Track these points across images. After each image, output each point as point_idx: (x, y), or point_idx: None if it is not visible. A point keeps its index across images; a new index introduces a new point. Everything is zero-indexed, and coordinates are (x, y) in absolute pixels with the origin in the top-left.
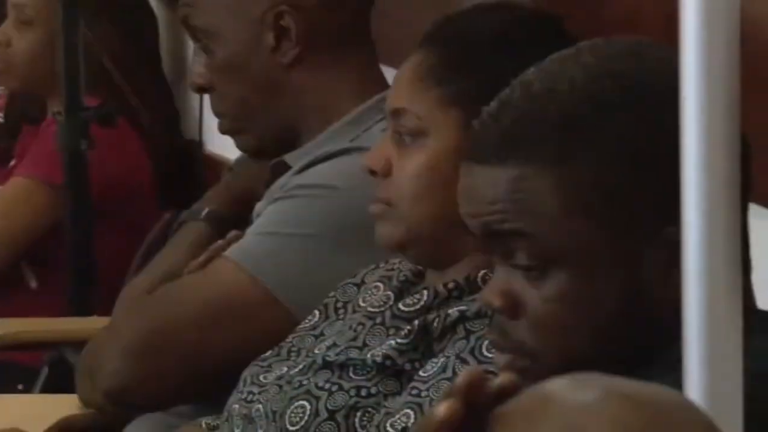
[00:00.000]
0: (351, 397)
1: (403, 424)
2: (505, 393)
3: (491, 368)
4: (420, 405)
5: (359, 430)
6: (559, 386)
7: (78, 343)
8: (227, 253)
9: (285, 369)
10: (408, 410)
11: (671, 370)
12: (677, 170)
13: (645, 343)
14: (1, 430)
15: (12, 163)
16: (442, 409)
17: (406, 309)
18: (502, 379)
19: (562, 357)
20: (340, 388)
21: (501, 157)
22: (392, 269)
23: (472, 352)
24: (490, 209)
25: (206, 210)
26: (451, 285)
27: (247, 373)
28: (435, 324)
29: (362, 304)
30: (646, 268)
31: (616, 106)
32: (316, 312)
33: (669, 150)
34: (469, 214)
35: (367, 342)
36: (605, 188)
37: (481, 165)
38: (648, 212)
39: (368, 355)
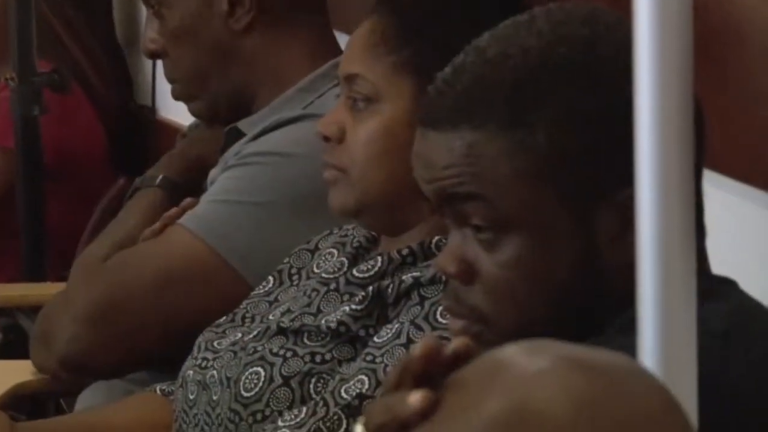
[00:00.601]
0: (305, 363)
1: (358, 390)
2: (460, 358)
3: (446, 335)
4: (374, 371)
5: (314, 396)
6: (511, 353)
7: (32, 309)
8: (182, 220)
9: (239, 335)
10: (362, 376)
11: (624, 334)
12: (630, 134)
13: (598, 306)
14: None
15: None
16: (412, 398)
17: (360, 275)
18: (456, 344)
19: (515, 322)
20: (295, 354)
21: (455, 122)
22: (346, 235)
23: (426, 318)
24: (444, 173)
25: (160, 176)
26: (405, 251)
27: (201, 340)
28: (389, 290)
29: (316, 271)
30: (600, 232)
31: (569, 71)
32: (271, 278)
33: (622, 114)
34: (424, 179)
35: (322, 308)
36: (558, 152)
37: (435, 130)
38: (601, 176)
39: (322, 322)
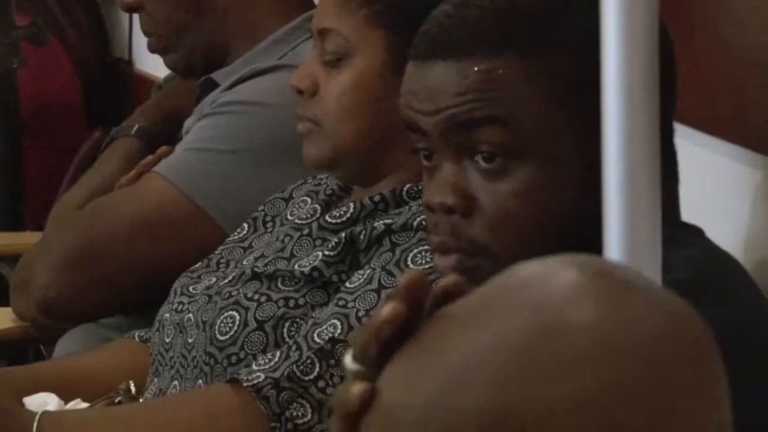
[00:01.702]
0: (279, 307)
1: (330, 334)
2: (450, 295)
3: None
4: (346, 315)
5: (287, 339)
6: (537, 268)
7: (11, 258)
8: (157, 168)
9: (214, 280)
10: (335, 320)
11: None
12: (662, 70)
13: (598, 237)
14: None
15: None
16: (386, 309)
17: (332, 221)
18: (446, 281)
19: (516, 252)
20: (269, 299)
21: (468, 50)
22: (319, 184)
23: (397, 264)
24: (456, 101)
25: (136, 126)
26: (376, 198)
27: (177, 285)
28: (361, 236)
29: (290, 217)
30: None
31: (575, 4)
32: (245, 225)
33: None
34: (425, 112)
35: (295, 253)
36: (574, 79)
37: (445, 60)
38: None
39: (296, 267)
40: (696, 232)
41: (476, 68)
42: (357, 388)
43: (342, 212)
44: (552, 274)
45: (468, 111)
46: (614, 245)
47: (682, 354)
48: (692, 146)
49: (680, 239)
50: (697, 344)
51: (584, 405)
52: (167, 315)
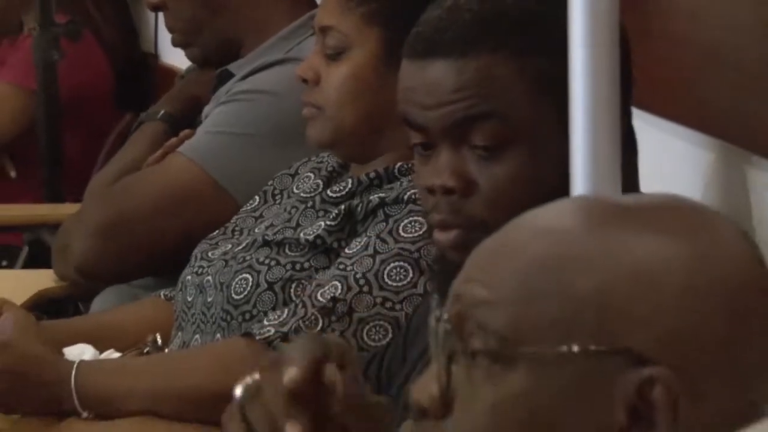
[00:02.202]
0: (287, 270)
1: (332, 294)
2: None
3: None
4: (346, 277)
5: (294, 298)
6: (552, 210)
7: (53, 226)
8: (180, 149)
9: (230, 246)
10: (336, 282)
11: None
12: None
13: None
14: None
15: None
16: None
17: (333, 195)
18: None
19: None
20: (278, 263)
21: (464, 50)
22: (321, 161)
23: (390, 232)
24: (455, 97)
25: (162, 112)
26: (372, 174)
27: (197, 250)
28: (358, 208)
29: (296, 191)
30: None
31: (559, 3)
32: (257, 197)
33: None
34: (424, 107)
35: (300, 223)
36: (555, 72)
37: (443, 59)
38: None
39: (301, 235)
40: None
41: (471, 67)
42: None
43: (341, 187)
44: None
45: (466, 108)
46: None
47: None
48: (652, 130)
49: None
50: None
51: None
52: (189, 277)
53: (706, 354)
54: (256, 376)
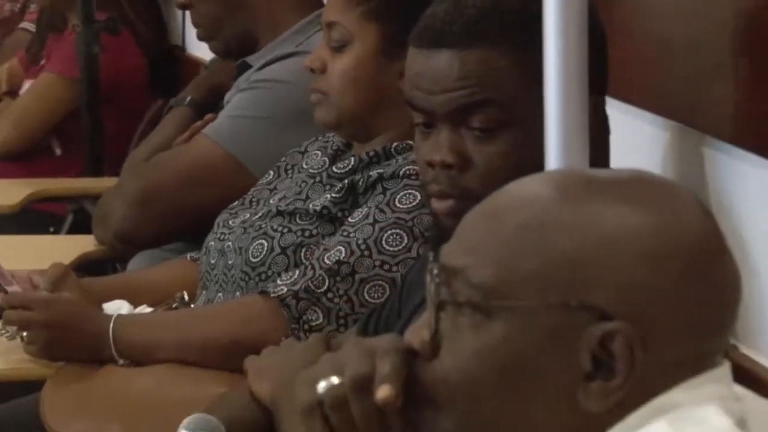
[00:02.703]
0: (298, 237)
1: (337, 257)
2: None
3: (421, 211)
4: (349, 243)
5: (304, 261)
6: (533, 182)
7: (94, 197)
8: (205, 130)
9: (248, 215)
10: (340, 247)
11: None
12: (596, 55)
13: None
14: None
15: (42, 62)
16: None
17: (338, 171)
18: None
19: None
20: (290, 230)
21: (468, 43)
22: (328, 141)
23: (387, 203)
24: (458, 85)
25: (189, 98)
26: (371, 153)
27: (219, 219)
28: (360, 183)
29: (305, 167)
30: None
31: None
32: (271, 172)
33: (590, 39)
34: (430, 92)
35: (309, 195)
36: (543, 63)
37: (450, 49)
38: None
39: (310, 206)
40: None
41: (474, 58)
42: None
43: (345, 164)
44: (544, 185)
45: (468, 95)
46: None
47: (714, 259)
48: (619, 114)
49: None
50: (725, 251)
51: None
52: (212, 242)
53: (663, 311)
54: (337, 380)
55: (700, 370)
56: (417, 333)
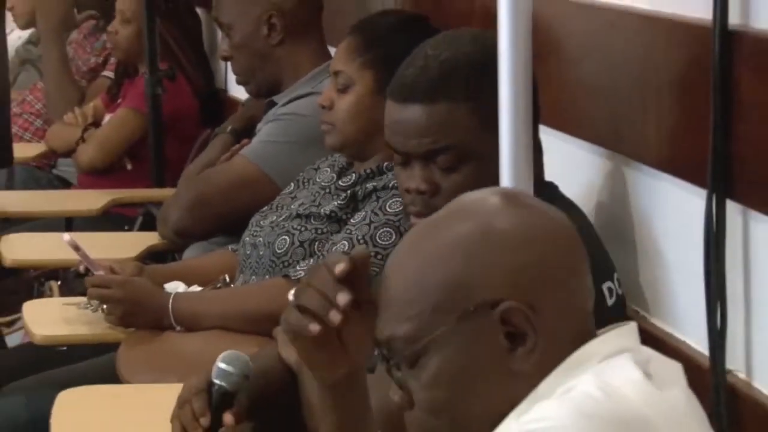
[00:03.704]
0: (312, 234)
1: (342, 249)
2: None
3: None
4: (351, 238)
5: (317, 252)
6: (475, 196)
7: (157, 203)
8: (242, 152)
9: (275, 217)
10: (344, 241)
11: None
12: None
13: None
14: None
15: (119, 101)
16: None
17: (343, 184)
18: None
19: None
20: (306, 228)
21: (432, 98)
22: (335, 160)
23: (380, 208)
24: (426, 133)
25: (229, 127)
26: (368, 170)
27: (253, 220)
28: (359, 193)
29: (318, 180)
30: None
31: (491, 62)
32: (292, 184)
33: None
34: (404, 137)
35: (321, 202)
36: (491, 110)
37: (417, 104)
38: None
39: (321, 210)
40: (554, 186)
41: (437, 111)
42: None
43: (348, 179)
44: (494, 198)
45: (434, 142)
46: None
47: (568, 243)
48: (556, 141)
49: (550, 193)
50: (575, 234)
51: (516, 270)
52: (247, 238)
53: (534, 280)
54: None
55: (583, 325)
56: (394, 393)
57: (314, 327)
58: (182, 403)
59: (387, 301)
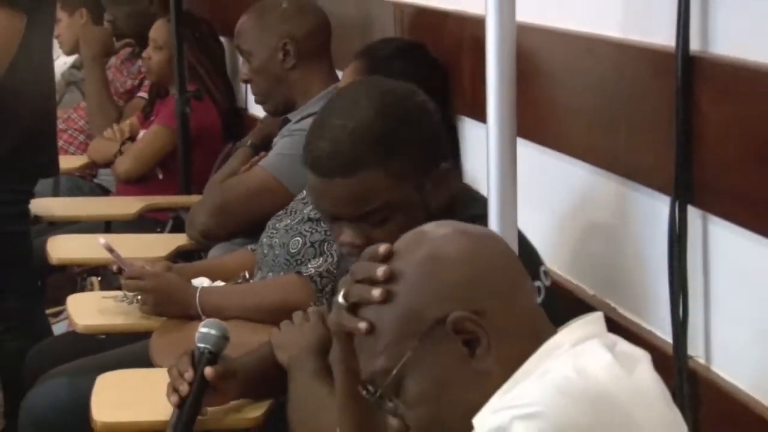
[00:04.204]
0: (322, 235)
1: None
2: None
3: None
4: None
5: (325, 251)
6: (429, 228)
7: (185, 208)
8: (260, 163)
9: (289, 221)
10: None
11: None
12: (431, 153)
13: (435, 216)
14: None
15: (152, 118)
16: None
17: None
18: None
19: None
20: (317, 230)
21: (346, 173)
22: None
23: None
24: (350, 202)
25: (249, 141)
26: None
27: (270, 223)
28: None
29: None
30: (428, 188)
31: (399, 127)
32: (304, 191)
33: (427, 142)
34: (333, 207)
35: None
36: (406, 167)
37: (335, 178)
38: (426, 167)
39: None
40: (471, 189)
41: (353, 183)
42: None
43: None
44: (435, 230)
45: (359, 208)
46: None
47: (503, 254)
48: (533, 152)
49: (472, 196)
50: (510, 250)
51: (464, 285)
52: (264, 239)
53: (473, 288)
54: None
55: (533, 326)
56: (391, 421)
57: (363, 325)
58: (171, 368)
59: (358, 346)
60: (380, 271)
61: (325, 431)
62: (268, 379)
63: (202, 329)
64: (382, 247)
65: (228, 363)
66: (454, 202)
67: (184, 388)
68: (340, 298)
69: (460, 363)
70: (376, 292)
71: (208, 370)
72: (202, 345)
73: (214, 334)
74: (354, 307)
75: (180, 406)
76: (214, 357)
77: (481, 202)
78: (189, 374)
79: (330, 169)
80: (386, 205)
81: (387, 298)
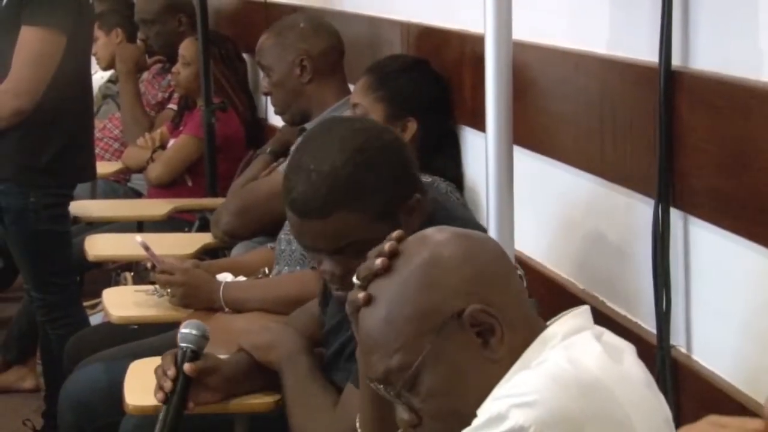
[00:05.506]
0: None
1: None
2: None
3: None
4: None
5: None
6: (429, 232)
7: (211, 210)
8: (279, 168)
9: None
10: None
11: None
12: (403, 189)
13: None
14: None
15: (180, 128)
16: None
17: None
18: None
19: None
20: None
21: (326, 214)
22: None
23: None
24: (329, 239)
25: (268, 149)
26: None
27: (287, 222)
28: None
29: None
30: (401, 220)
31: (369, 169)
32: None
33: (399, 181)
34: (313, 242)
35: None
36: (378, 205)
37: (313, 220)
38: (397, 203)
39: None
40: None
41: (330, 223)
42: (360, 294)
43: None
44: (435, 234)
45: (336, 244)
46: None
47: (497, 253)
48: (527, 158)
49: (448, 215)
50: (500, 248)
51: (473, 280)
52: (282, 236)
53: (482, 283)
54: None
55: (532, 321)
56: (401, 413)
57: (362, 295)
58: (156, 368)
59: (370, 346)
60: (388, 245)
61: (323, 427)
62: (254, 376)
63: (183, 330)
64: (387, 244)
65: (208, 359)
66: (431, 224)
67: (167, 385)
68: (355, 279)
69: (475, 353)
70: (379, 261)
71: (187, 366)
72: (184, 344)
73: (195, 334)
74: (364, 283)
75: (165, 401)
76: (195, 355)
77: (459, 220)
78: (171, 371)
79: (306, 210)
80: (363, 240)
81: (388, 268)
